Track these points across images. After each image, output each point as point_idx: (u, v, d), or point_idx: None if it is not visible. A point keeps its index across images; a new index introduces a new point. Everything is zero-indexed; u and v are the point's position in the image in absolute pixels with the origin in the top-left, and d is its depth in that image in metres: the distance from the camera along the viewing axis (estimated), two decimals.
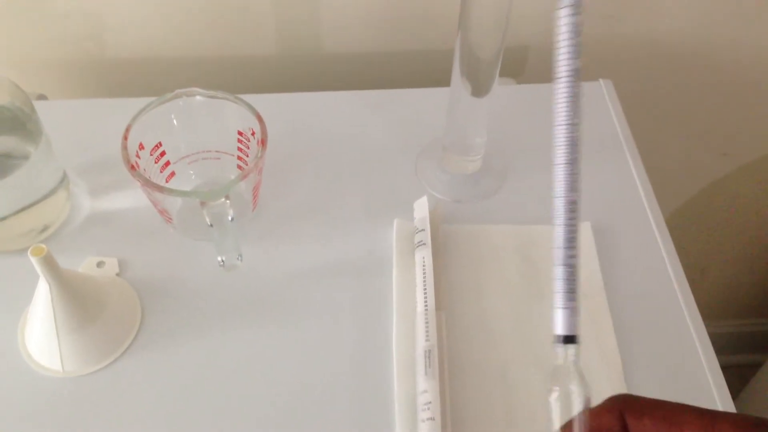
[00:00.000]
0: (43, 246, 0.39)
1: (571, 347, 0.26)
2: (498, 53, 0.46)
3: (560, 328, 0.26)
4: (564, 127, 0.26)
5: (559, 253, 0.26)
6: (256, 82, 0.71)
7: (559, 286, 0.26)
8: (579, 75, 0.26)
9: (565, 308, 0.26)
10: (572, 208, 0.26)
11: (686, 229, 0.96)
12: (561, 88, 0.26)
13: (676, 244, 0.52)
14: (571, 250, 0.26)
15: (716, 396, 0.44)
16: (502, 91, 0.60)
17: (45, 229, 0.51)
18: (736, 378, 1.07)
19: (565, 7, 0.26)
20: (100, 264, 0.49)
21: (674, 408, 0.24)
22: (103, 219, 0.52)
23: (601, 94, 0.62)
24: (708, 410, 0.24)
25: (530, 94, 0.62)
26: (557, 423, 0.25)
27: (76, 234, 0.51)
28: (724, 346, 1.14)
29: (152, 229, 0.51)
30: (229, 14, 0.65)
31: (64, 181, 0.52)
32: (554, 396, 0.25)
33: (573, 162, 0.26)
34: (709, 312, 1.14)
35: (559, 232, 0.26)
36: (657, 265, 0.50)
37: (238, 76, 0.71)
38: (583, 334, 0.26)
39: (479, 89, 0.48)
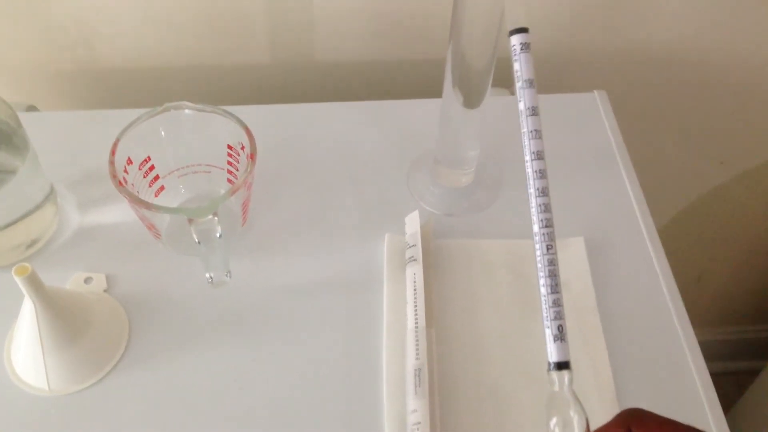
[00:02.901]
0: (27, 265, 0.39)
1: (565, 373, 0.26)
2: (490, 63, 0.45)
3: (553, 356, 0.26)
4: (530, 162, 0.26)
5: (542, 282, 0.26)
6: (248, 91, 0.71)
7: (546, 313, 0.26)
8: (537, 112, 0.26)
9: (556, 335, 0.26)
10: (549, 240, 0.26)
11: (683, 237, 0.95)
12: (523, 124, 0.26)
13: (672, 252, 0.51)
14: (553, 279, 0.26)
15: (708, 411, 0.44)
16: (496, 102, 0.60)
17: (33, 243, 0.50)
18: (734, 385, 1.07)
19: (516, 54, 0.27)
20: (87, 280, 0.48)
21: (680, 428, 0.24)
22: (92, 234, 0.52)
23: (596, 105, 0.61)
24: None
25: None
26: None
27: (64, 249, 0.51)
28: (720, 353, 1.14)
29: (141, 245, 0.51)
30: (222, 24, 0.64)
31: (51, 195, 0.51)
32: (553, 422, 0.25)
33: (545, 206, 0.26)
34: (705, 319, 1.14)
35: (539, 264, 0.26)
36: (650, 279, 0.50)
37: (230, 86, 0.70)
38: (574, 350, 0.26)
39: (471, 100, 0.48)
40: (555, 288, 0.26)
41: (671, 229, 0.93)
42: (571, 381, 0.26)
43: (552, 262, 0.26)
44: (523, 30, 0.26)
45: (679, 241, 0.95)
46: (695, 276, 1.03)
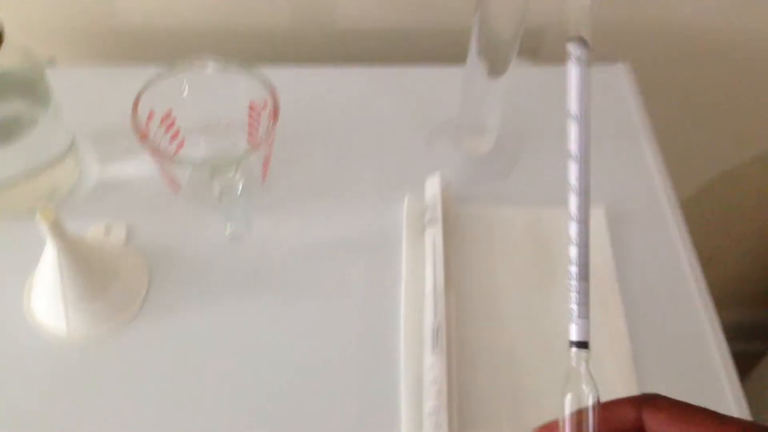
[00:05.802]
0: (52, 209, 0.39)
1: (583, 352, 0.26)
2: (516, 33, 0.45)
3: (574, 335, 0.27)
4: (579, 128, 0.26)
5: (573, 268, 0.26)
6: (269, 53, 0.70)
7: (573, 297, 0.26)
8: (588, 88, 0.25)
9: (580, 317, 0.27)
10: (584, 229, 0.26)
11: (697, 217, 0.95)
12: (573, 85, 0.26)
13: None
14: (584, 263, 0.26)
15: (725, 383, 0.44)
16: (518, 72, 0.59)
17: (53, 194, 0.50)
18: (743, 366, 1.07)
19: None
20: (107, 231, 0.49)
21: (692, 408, 0.24)
22: (112, 186, 0.52)
23: (619, 77, 0.61)
24: (722, 415, 0.24)
25: (547, 76, 0.61)
26: (569, 423, 0.25)
27: (85, 200, 0.51)
28: (728, 334, 1.14)
29: (161, 198, 0.51)
30: None
31: (73, 146, 0.51)
32: (568, 398, 0.26)
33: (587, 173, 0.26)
34: (716, 300, 1.14)
35: (573, 252, 0.26)
36: (670, 252, 0.50)
37: (251, 47, 0.70)
38: (593, 321, 0.27)
39: (496, 69, 0.47)
40: (584, 266, 0.26)
41: (685, 208, 0.92)
42: (588, 360, 0.26)
43: (585, 242, 0.26)
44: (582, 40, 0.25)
45: (692, 221, 0.94)
46: (707, 257, 1.03)
